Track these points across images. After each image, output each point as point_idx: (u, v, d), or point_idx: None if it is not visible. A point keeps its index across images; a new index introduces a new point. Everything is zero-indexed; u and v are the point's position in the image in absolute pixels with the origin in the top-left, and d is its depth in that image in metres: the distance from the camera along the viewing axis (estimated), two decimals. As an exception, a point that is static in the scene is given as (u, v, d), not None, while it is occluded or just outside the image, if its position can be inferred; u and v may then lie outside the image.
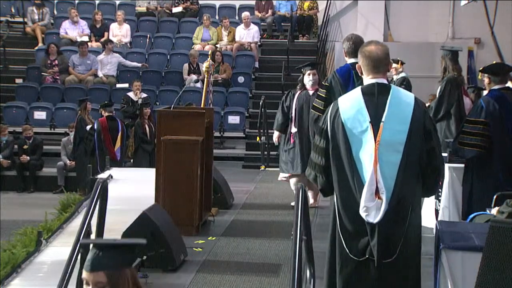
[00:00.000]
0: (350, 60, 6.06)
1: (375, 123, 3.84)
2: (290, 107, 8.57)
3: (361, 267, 3.86)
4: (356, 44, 6.04)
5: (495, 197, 5.21)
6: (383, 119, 3.83)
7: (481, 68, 6.71)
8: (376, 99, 3.89)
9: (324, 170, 3.99)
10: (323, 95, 6.10)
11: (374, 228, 3.78)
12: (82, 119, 12.45)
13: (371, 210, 3.78)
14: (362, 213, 3.78)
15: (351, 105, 3.94)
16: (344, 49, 6.12)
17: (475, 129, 6.22)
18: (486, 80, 6.43)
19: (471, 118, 6.34)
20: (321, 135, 4.02)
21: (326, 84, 6.09)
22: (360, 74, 4.10)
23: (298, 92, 8.47)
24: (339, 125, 3.91)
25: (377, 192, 3.77)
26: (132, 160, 12.80)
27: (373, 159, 3.79)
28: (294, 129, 8.39)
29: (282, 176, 8.77)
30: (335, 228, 3.93)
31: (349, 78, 5.96)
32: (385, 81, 3.97)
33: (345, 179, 3.88)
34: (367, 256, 3.83)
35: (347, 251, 3.87)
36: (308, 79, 8.34)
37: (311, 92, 8.34)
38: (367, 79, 3.99)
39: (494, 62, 7.15)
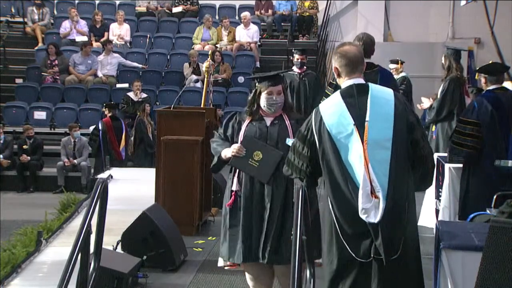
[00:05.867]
0: None
1: (360, 124, 3.83)
2: (231, 141, 4.99)
3: (367, 268, 3.84)
4: (366, 44, 6.03)
5: (495, 197, 5.21)
6: (367, 119, 3.83)
7: (477, 68, 6.71)
8: (356, 100, 3.89)
9: (307, 174, 4.05)
10: (330, 94, 6.09)
11: (376, 228, 3.77)
12: (142, 121, 12.49)
13: (370, 211, 3.77)
14: (362, 215, 3.76)
15: (333, 111, 3.92)
16: None
17: (467, 129, 6.23)
18: (483, 80, 6.43)
19: (463, 118, 6.35)
20: (304, 143, 3.99)
21: (334, 83, 6.10)
22: (336, 77, 4.06)
23: (247, 120, 4.95)
24: (325, 133, 3.89)
25: (372, 191, 3.76)
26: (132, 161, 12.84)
27: (363, 160, 3.79)
28: (236, 186, 4.90)
29: (221, 262, 5.26)
30: (332, 234, 3.90)
31: None
32: (362, 81, 3.97)
33: (338, 185, 3.86)
34: (372, 256, 3.83)
35: (353, 254, 3.84)
36: (266, 102, 4.88)
37: (268, 121, 4.91)
38: (345, 81, 3.98)
39: (490, 62, 7.15)
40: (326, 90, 6.32)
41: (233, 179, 4.93)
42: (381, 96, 3.91)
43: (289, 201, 4.77)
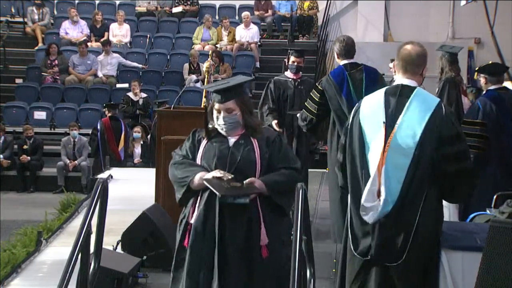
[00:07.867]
0: (343, 62, 6.04)
1: (389, 125, 3.82)
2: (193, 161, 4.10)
3: (365, 267, 3.87)
4: (348, 45, 6.03)
5: (495, 197, 5.21)
6: (397, 122, 3.81)
7: (477, 68, 6.73)
8: (396, 101, 3.87)
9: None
10: (317, 99, 6.04)
11: (375, 229, 3.79)
12: None
13: (369, 210, 3.79)
14: (361, 211, 3.81)
15: (371, 104, 3.95)
16: (336, 50, 6.08)
17: (473, 130, 6.21)
18: (483, 81, 6.45)
19: (468, 119, 6.33)
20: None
21: (320, 88, 6.04)
22: (394, 73, 4.16)
23: (206, 140, 4.03)
24: (357, 123, 3.93)
25: (379, 193, 3.76)
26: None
27: (379, 160, 3.78)
28: (193, 217, 3.97)
29: None
30: (347, 224, 3.97)
31: (343, 80, 5.95)
32: (412, 83, 3.92)
33: (356, 175, 3.91)
34: (369, 257, 3.84)
35: (353, 248, 3.89)
36: (220, 121, 3.96)
37: (231, 141, 3.99)
38: (398, 79, 4.01)
39: (490, 62, 7.16)
40: (310, 93, 6.25)
41: (191, 208, 3.97)
42: (421, 104, 3.85)
43: (252, 244, 3.86)
